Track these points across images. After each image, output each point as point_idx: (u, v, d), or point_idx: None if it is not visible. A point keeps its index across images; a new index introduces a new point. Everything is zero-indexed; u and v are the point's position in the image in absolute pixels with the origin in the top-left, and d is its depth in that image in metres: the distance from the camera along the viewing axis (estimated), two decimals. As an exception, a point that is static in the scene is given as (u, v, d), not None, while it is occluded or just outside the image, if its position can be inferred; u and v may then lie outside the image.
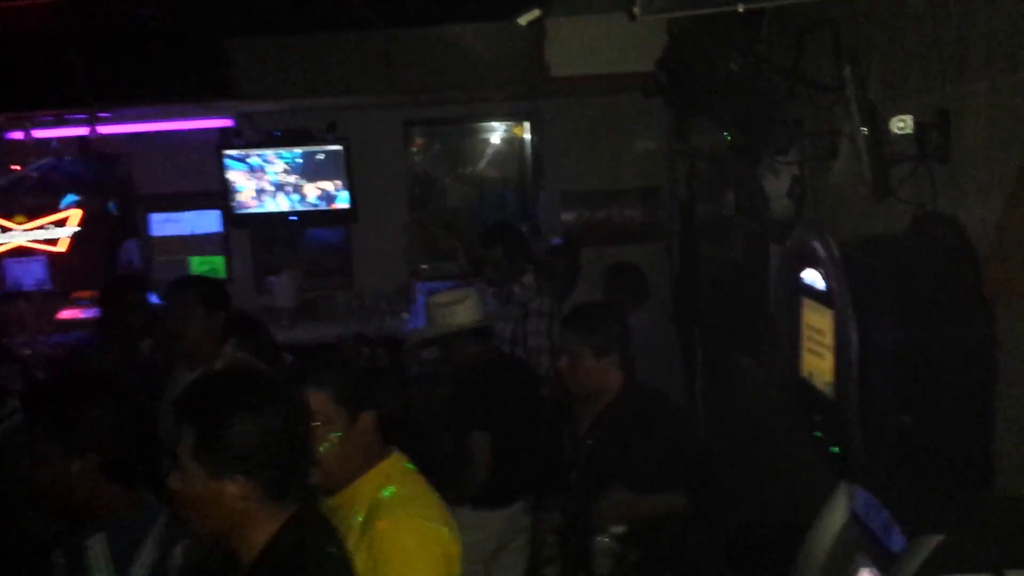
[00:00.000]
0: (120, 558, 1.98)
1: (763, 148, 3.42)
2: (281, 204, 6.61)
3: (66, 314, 6.38)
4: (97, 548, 1.98)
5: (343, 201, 6.54)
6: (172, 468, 1.73)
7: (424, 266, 6.30)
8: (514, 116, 6.79)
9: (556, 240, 6.09)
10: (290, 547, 1.70)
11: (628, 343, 3.12)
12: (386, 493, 2.08)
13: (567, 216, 6.62)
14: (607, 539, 2.82)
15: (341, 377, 2.12)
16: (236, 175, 6.57)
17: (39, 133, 5.58)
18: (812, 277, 2.42)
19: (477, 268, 5.74)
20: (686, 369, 6.02)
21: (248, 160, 6.55)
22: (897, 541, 1.87)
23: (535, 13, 3.97)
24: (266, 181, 6.59)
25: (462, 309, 3.62)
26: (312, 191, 6.56)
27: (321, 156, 6.49)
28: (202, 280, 3.99)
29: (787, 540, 2.27)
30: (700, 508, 2.95)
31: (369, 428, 2.10)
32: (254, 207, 6.64)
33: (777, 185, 3.49)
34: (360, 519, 2.04)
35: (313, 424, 1.94)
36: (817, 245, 2.34)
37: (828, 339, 2.32)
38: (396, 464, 2.16)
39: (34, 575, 2.27)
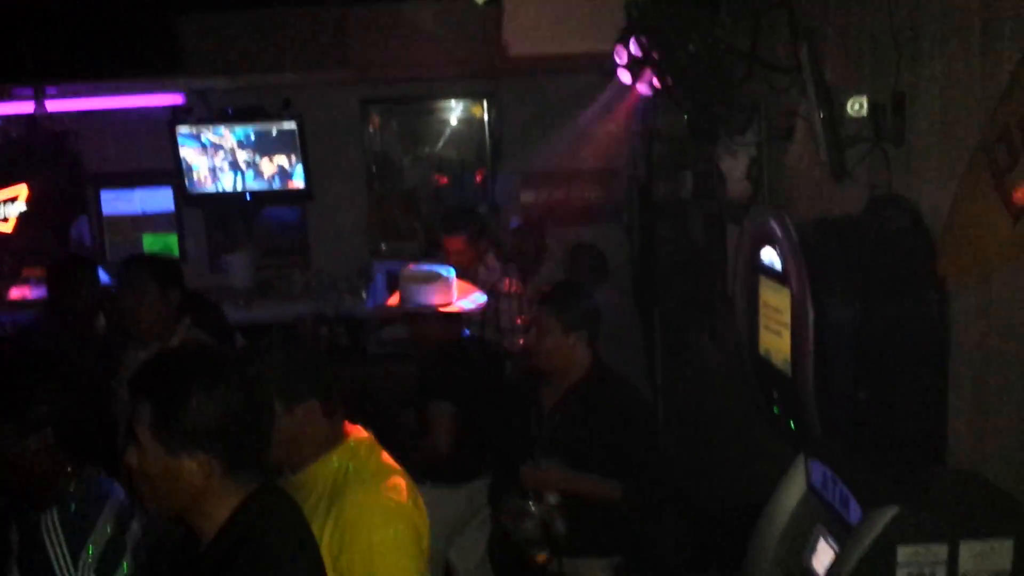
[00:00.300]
0: (73, 533, 1.96)
1: (721, 129, 3.45)
2: (236, 183, 6.51)
3: (15, 293, 6.24)
4: (50, 522, 1.96)
5: (299, 179, 6.46)
6: (128, 445, 1.71)
7: (383, 246, 6.26)
8: (472, 96, 6.76)
9: (515, 222, 6.09)
10: (250, 523, 1.68)
11: (598, 323, 3.13)
12: (350, 470, 2.08)
13: (526, 197, 6.62)
14: (534, 504, 2.88)
15: (276, 372, 2.07)
16: (189, 153, 6.46)
17: (-14, 108, 5.42)
18: (769, 257, 2.46)
19: (434, 249, 5.72)
20: (646, 348, 6.08)
21: (201, 137, 6.44)
22: (854, 513, 1.92)
23: (493, -8, 3.95)
24: (220, 159, 6.49)
25: (434, 289, 3.61)
26: (268, 168, 6.47)
27: (274, 133, 6.40)
28: (155, 258, 3.93)
29: (747, 516, 2.32)
30: (636, 502, 2.96)
31: (313, 416, 2.08)
32: (208, 186, 6.54)
33: (735, 166, 3.53)
34: (324, 497, 2.04)
35: None
36: (774, 225, 2.38)
37: (785, 317, 2.37)
38: (359, 442, 2.16)
39: None
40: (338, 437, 2.13)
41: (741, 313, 2.70)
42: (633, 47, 3.40)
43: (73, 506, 2.00)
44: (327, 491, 2.05)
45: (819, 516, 2.10)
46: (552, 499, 2.86)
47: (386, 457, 2.19)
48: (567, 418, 3.08)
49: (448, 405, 3.45)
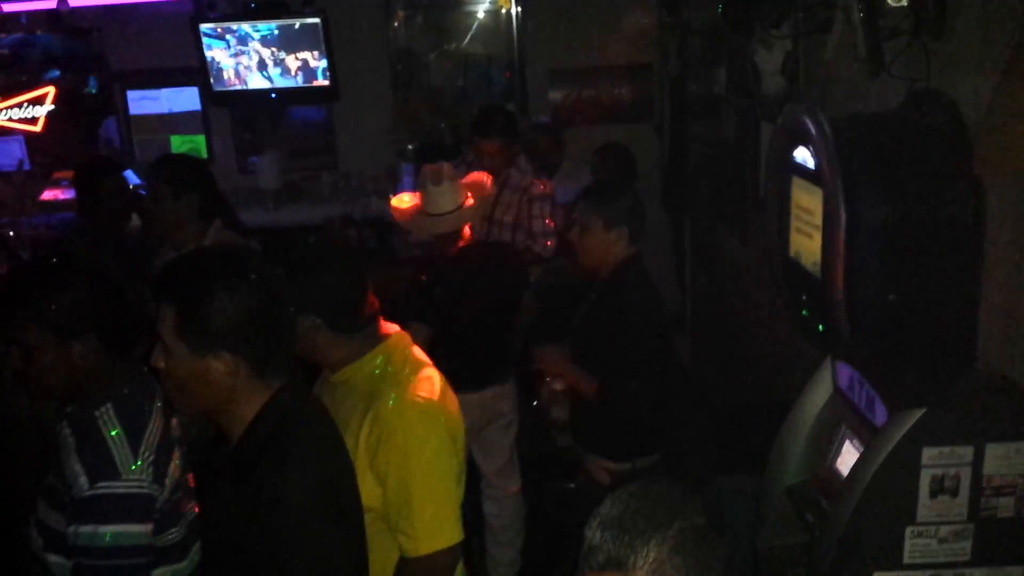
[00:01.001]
0: (131, 425, 2.00)
1: (756, 21, 3.33)
2: (261, 80, 6.43)
3: (47, 195, 6.28)
4: (107, 416, 1.99)
5: (323, 78, 6.36)
6: (155, 347, 1.73)
7: (410, 146, 6.18)
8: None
9: (544, 119, 5.99)
10: (276, 421, 1.71)
11: (641, 221, 3.12)
12: (386, 369, 2.12)
13: (555, 94, 6.48)
14: (543, 385, 3.13)
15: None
16: (213, 50, 6.37)
17: (7, 7, 5.35)
18: (803, 156, 2.39)
19: (458, 148, 5.65)
20: (676, 251, 6.04)
21: (225, 35, 6.33)
22: (880, 415, 1.92)
23: None
24: (244, 57, 6.39)
25: (459, 216, 3.53)
26: (292, 65, 6.37)
27: (298, 28, 6.26)
28: (174, 160, 3.88)
29: (773, 417, 2.33)
30: (613, 403, 3.01)
31: (318, 327, 2.10)
32: (234, 84, 6.46)
33: (770, 61, 3.41)
34: (363, 395, 2.09)
35: None
36: (808, 122, 2.30)
37: (817, 219, 2.31)
38: (394, 341, 2.19)
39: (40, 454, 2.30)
40: (374, 337, 2.16)
41: (772, 214, 2.65)
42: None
43: (128, 402, 2.03)
44: (365, 389, 2.10)
45: (845, 418, 2.10)
46: (556, 384, 3.08)
47: (420, 355, 2.23)
48: (591, 308, 3.17)
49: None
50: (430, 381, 2.16)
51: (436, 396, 2.14)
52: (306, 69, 6.36)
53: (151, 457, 1.98)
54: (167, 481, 2.01)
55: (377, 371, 2.13)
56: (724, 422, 3.44)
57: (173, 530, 2.05)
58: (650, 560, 1.29)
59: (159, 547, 2.01)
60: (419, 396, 2.09)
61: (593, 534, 1.34)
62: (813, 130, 2.28)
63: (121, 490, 1.92)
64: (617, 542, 1.30)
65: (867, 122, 2.40)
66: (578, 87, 6.43)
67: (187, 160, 3.82)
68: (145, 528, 1.94)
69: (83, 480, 1.91)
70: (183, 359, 1.68)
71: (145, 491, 1.95)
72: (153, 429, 2.02)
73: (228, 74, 6.43)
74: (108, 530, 1.88)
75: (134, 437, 1.98)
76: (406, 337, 2.25)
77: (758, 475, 2.32)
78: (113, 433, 1.97)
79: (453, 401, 2.22)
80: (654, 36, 6.19)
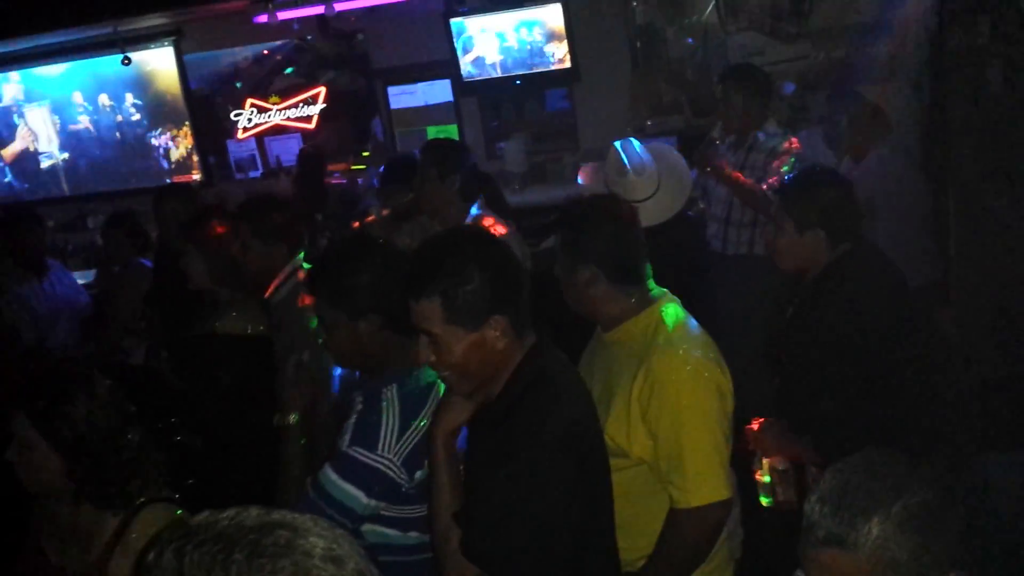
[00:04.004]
0: (405, 412, 2.14)
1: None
2: (505, 68, 6.71)
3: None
4: (390, 395, 2.16)
5: (565, 60, 6.52)
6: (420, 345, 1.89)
7: (649, 123, 6.20)
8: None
9: (789, 86, 5.78)
10: (534, 369, 1.85)
11: (842, 219, 2.69)
12: (659, 331, 2.21)
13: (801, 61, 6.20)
14: (762, 467, 2.62)
15: (565, 230, 2.30)
16: (463, 42, 6.72)
17: (282, 15, 5.96)
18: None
19: (702, 116, 5.56)
20: (937, 219, 5.61)
21: (473, 26, 6.66)
22: None
23: None
24: (490, 46, 6.69)
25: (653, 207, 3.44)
26: (534, 51, 6.59)
27: (540, 15, 6.47)
28: (439, 144, 4.12)
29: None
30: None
31: (596, 280, 2.23)
32: (482, 74, 6.79)
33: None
34: (636, 352, 2.20)
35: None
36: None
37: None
38: (667, 304, 2.28)
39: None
40: (644, 300, 2.27)
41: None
42: None
43: (411, 388, 2.17)
44: (637, 347, 2.20)
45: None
46: (779, 465, 2.59)
47: (691, 321, 2.29)
48: (795, 321, 2.79)
49: None
50: (700, 341, 2.22)
51: (706, 355, 2.19)
52: (548, 53, 6.56)
53: (407, 449, 2.11)
54: (418, 474, 2.12)
55: (649, 330, 2.21)
56: (993, 395, 3.20)
57: (419, 507, 2.13)
58: (872, 538, 1.23)
59: (402, 518, 2.15)
60: (690, 354, 2.16)
61: (812, 508, 1.29)
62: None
63: (366, 460, 2.08)
64: (836, 518, 1.25)
65: None
66: (826, 47, 6.12)
67: (450, 144, 4.08)
68: (368, 501, 2.08)
69: (347, 438, 2.12)
70: (460, 341, 1.80)
71: (389, 473, 2.08)
72: (420, 426, 2.12)
73: (476, 64, 6.77)
74: (338, 482, 2.07)
75: (404, 423, 2.12)
76: (676, 300, 2.32)
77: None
78: (387, 418, 2.11)
79: (721, 361, 2.24)
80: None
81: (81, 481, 2.00)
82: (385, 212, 3.91)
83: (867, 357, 2.51)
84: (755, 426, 2.66)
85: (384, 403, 2.13)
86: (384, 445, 2.09)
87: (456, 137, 7.16)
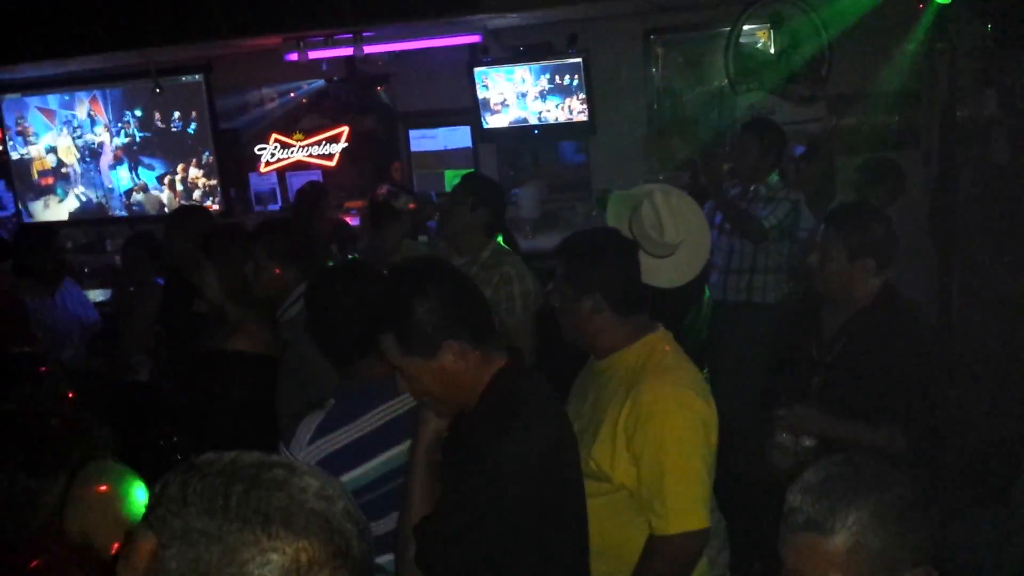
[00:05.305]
0: (331, 413, 2.26)
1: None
2: (525, 117, 6.87)
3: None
4: (328, 403, 2.27)
5: (582, 113, 6.68)
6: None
7: (661, 178, 6.30)
8: (755, 19, 6.51)
9: (799, 148, 5.88)
10: (499, 393, 1.88)
11: (891, 251, 2.84)
12: (647, 362, 2.27)
13: (813, 124, 6.33)
14: (788, 441, 2.74)
15: (573, 258, 2.35)
16: (484, 92, 6.90)
17: (313, 54, 6.14)
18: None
19: (715, 178, 5.66)
20: (942, 286, 5.67)
21: (495, 76, 6.84)
22: None
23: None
24: (512, 96, 6.86)
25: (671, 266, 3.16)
26: (554, 101, 6.75)
27: (562, 69, 6.65)
28: (479, 178, 4.30)
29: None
30: (918, 453, 2.66)
31: (600, 309, 2.29)
32: (501, 122, 6.95)
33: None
34: (624, 381, 2.25)
35: (554, 289, 2.37)
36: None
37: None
38: (660, 339, 2.34)
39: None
40: (638, 331, 2.32)
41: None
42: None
43: (347, 399, 2.28)
44: (627, 376, 2.25)
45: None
46: (808, 441, 2.70)
47: (682, 354, 2.35)
48: (850, 351, 2.84)
49: None
50: (688, 373, 2.29)
51: (693, 387, 2.24)
52: (567, 106, 6.72)
53: (321, 454, 2.21)
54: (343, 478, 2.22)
55: (640, 360, 2.27)
56: (986, 457, 3.23)
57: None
58: (849, 523, 1.30)
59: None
60: (678, 385, 2.21)
61: (794, 497, 1.37)
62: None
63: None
64: (817, 505, 1.33)
65: None
66: (839, 113, 6.25)
67: (490, 181, 4.21)
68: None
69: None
70: (421, 369, 1.86)
71: None
72: (341, 435, 2.24)
73: (496, 112, 6.93)
74: None
75: (321, 431, 2.24)
76: (668, 335, 2.38)
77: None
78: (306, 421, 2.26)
79: (708, 395, 2.30)
80: (922, 61, 5.90)
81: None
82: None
83: (933, 375, 2.73)
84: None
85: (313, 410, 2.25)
86: (295, 445, 2.20)
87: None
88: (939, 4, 3.48)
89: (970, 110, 4.80)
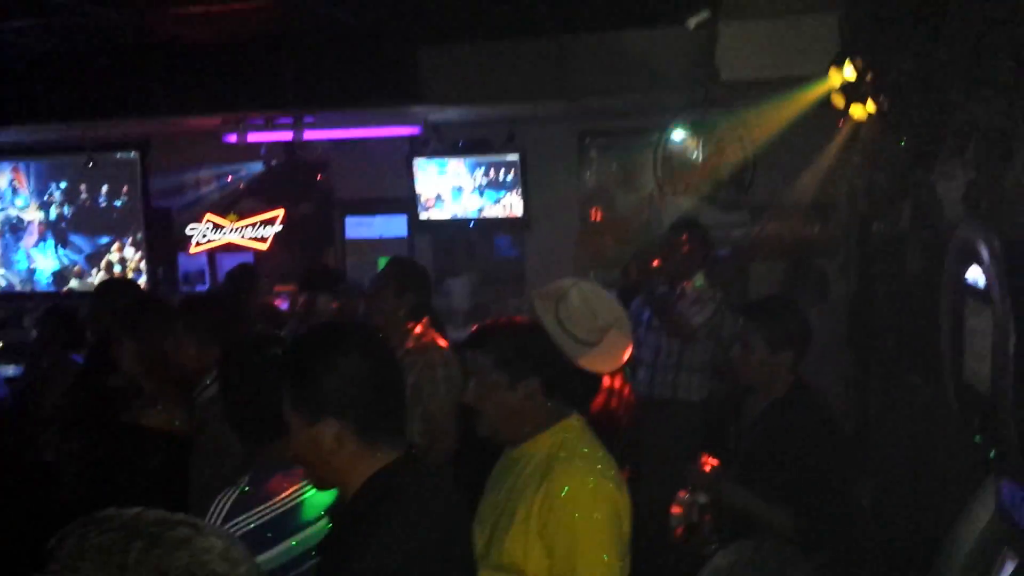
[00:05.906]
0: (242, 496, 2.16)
1: (938, 152, 3.34)
2: (461, 210, 6.96)
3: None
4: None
5: (518, 208, 6.80)
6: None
7: (592, 274, 6.42)
8: (690, 128, 6.78)
9: (723, 252, 6.06)
10: (381, 489, 1.73)
11: (806, 344, 2.99)
12: (563, 450, 2.20)
13: (737, 228, 6.56)
14: (685, 495, 2.91)
15: (504, 344, 2.24)
16: (423, 183, 6.99)
17: (253, 137, 6.17)
18: (975, 275, 2.37)
19: (645, 275, 5.79)
20: (860, 394, 5.82)
21: (433, 169, 6.95)
22: (1040, 530, 1.82)
23: (704, 15, 4.02)
24: (449, 189, 6.97)
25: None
26: (490, 198, 6.87)
27: (499, 165, 6.80)
28: (405, 262, 4.16)
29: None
30: (804, 538, 2.67)
31: (534, 393, 2.22)
32: (438, 214, 7.03)
33: (952, 191, 3.39)
34: (538, 470, 2.19)
35: (476, 381, 2.21)
36: (978, 241, 2.29)
37: (989, 340, 2.26)
38: (573, 425, 2.27)
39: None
40: (557, 417, 2.26)
41: (947, 337, 2.60)
42: (847, 70, 3.37)
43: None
44: (541, 465, 2.18)
45: (1008, 537, 2.00)
46: (702, 499, 2.87)
47: (596, 442, 2.29)
48: (763, 434, 2.98)
49: None
50: (604, 468, 2.23)
51: (607, 475, 2.20)
52: (502, 202, 6.84)
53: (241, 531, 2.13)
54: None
55: (555, 446, 2.21)
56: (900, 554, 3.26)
57: None
58: None
59: None
60: (592, 480, 2.16)
61: None
62: (983, 248, 2.27)
63: None
64: None
65: (1040, 242, 2.34)
66: (762, 222, 6.49)
67: (417, 267, 4.12)
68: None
69: None
70: (299, 428, 1.74)
71: None
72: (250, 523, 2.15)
73: (432, 203, 7.01)
74: None
75: (235, 511, 2.13)
76: (582, 419, 2.33)
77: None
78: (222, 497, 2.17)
79: (622, 485, 2.25)
80: (840, 174, 6.19)
81: None
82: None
83: (835, 466, 2.86)
84: (707, 466, 2.92)
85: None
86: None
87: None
88: (856, 120, 3.69)
89: (885, 223, 5.02)
